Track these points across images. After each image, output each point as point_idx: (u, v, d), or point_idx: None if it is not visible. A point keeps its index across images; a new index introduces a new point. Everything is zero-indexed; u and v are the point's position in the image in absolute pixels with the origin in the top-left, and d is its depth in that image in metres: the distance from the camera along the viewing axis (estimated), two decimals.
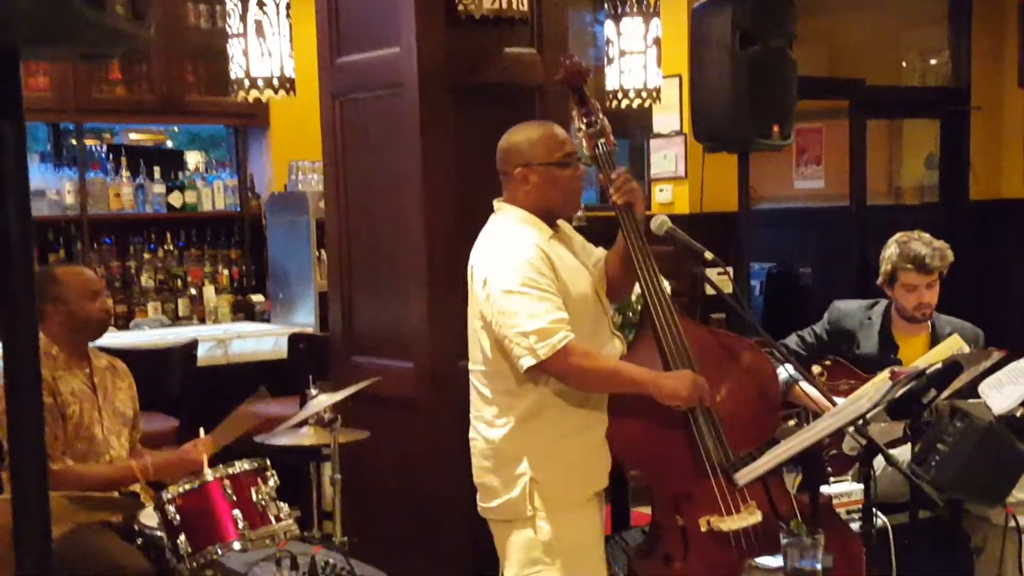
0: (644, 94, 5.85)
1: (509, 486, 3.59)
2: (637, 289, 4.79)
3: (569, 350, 3.43)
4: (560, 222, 3.76)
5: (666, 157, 7.99)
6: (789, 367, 4.10)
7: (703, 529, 3.61)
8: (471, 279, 3.63)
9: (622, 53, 5.90)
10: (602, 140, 3.82)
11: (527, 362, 3.44)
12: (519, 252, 3.50)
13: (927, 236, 4.68)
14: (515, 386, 3.57)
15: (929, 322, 4.71)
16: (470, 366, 3.72)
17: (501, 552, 3.72)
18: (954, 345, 4.42)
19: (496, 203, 3.73)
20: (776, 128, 5.25)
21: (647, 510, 4.02)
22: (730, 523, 3.61)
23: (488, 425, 3.64)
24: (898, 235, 4.71)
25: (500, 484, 3.63)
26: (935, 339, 4.63)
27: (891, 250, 4.66)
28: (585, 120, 3.84)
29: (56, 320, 4.26)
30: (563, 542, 3.57)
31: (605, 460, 3.70)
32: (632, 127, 8.38)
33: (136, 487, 4.29)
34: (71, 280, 4.32)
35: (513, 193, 3.67)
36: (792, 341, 4.78)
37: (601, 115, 3.87)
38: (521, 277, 3.45)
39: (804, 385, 4.31)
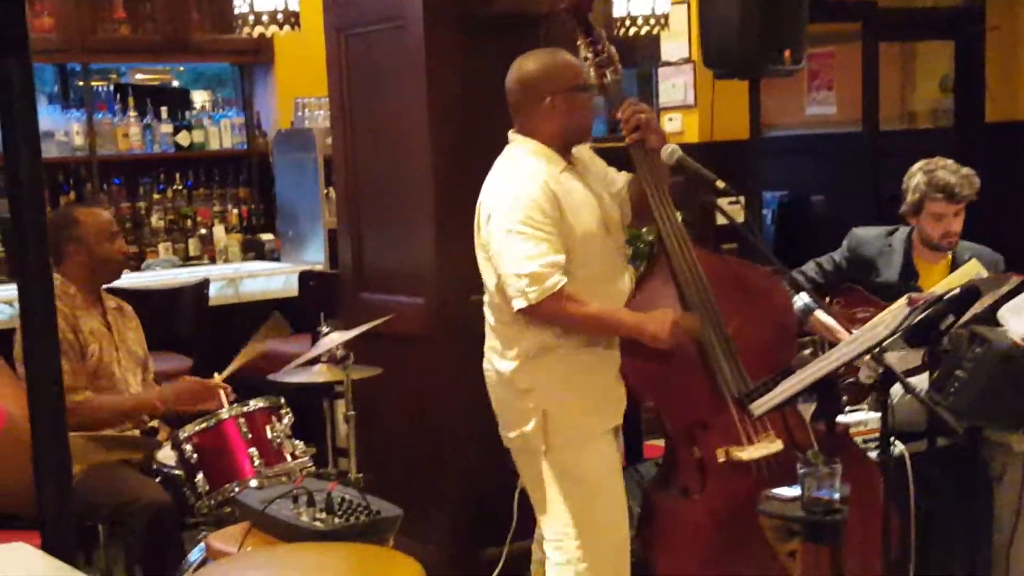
0: (652, 21, 5.77)
1: (523, 419, 3.60)
2: None
3: (560, 295, 3.42)
4: (579, 150, 3.72)
5: (675, 86, 7.91)
6: (805, 296, 4.06)
7: (720, 459, 3.60)
8: (478, 213, 3.62)
9: None
10: (610, 69, 3.77)
11: (518, 304, 3.45)
12: (523, 190, 3.48)
13: (952, 163, 4.58)
14: (516, 318, 3.55)
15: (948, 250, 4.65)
16: (484, 298, 3.70)
17: (524, 480, 3.72)
18: (972, 270, 4.37)
19: (511, 134, 3.69)
20: (787, 53, 5.17)
21: (660, 442, 4.01)
22: (749, 452, 3.59)
23: (499, 356, 3.64)
24: (921, 163, 4.61)
25: (514, 416, 3.63)
26: (956, 266, 4.57)
27: (917, 178, 4.56)
28: (592, 49, 3.79)
29: (76, 260, 4.28)
30: (579, 473, 3.57)
31: (618, 396, 3.69)
32: (640, 55, 8.29)
33: (154, 423, 4.31)
34: (91, 221, 4.34)
35: (537, 123, 3.62)
36: (810, 268, 4.73)
37: (608, 44, 3.81)
38: (522, 216, 3.44)
39: (820, 314, 4.28)
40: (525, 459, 3.68)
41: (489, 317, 3.67)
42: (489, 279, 3.61)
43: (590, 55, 3.80)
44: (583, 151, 3.76)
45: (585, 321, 3.54)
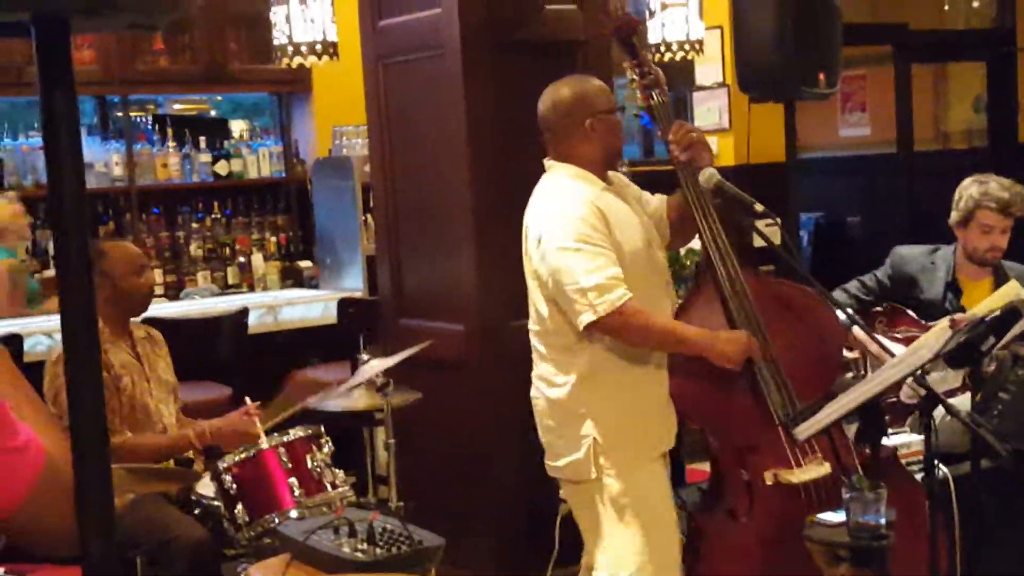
0: (687, 46, 5.77)
1: (573, 447, 3.57)
2: (688, 242, 4.76)
3: (626, 308, 3.41)
4: (613, 174, 3.73)
5: (709, 109, 7.91)
6: (842, 315, 4.04)
7: (769, 482, 3.58)
8: (525, 239, 3.61)
9: (663, 6, 5.82)
10: (656, 91, 3.78)
11: (586, 318, 3.41)
12: (572, 209, 3.48)
13: (1005, 180, 4.62)
14: (571, 344, 3.55)
15: (992, 266, 4.64)
16: (529, 325, 3.70)
17: (574, 508, 3.71)
18: (1012, 291, 4.35)
19: (547, 162, 3.70)
20: (822, 76, 5.17)
21: (702, 466, 3.99)
22: (798, 475, 3.57)
23: (548, 384, 3.62)
24: (976, 176, 4.66)
25: (564, 444, 3.61)
26: (999, 283, 4.56)
27: (971, 190, 4.58)
28: (638, 71, 3.80)
29: (102, 294, 4.27)
30: (631, 500, 3.55)
31: (669, 419, 3.67)
32: (674, 80, 8.29)
33: (190, 454, 4.32)
34: (117, 255, 4.34)
35: (574, 148, 3.62)
36: (853, 286, 4.73)
37: (654, 66, 3.83)
38: (575, 233, 3.43)
39: (859, 331, 4.26)
40: (574, 488, 3.66)
41: (539, 345, 3.65)
42: (540, 305, 3.59)
43: (636, 77, 3.81)
44: (616, 176, 3.77)
45: (653, 334, 3.54)
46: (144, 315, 4.50)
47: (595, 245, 3.43)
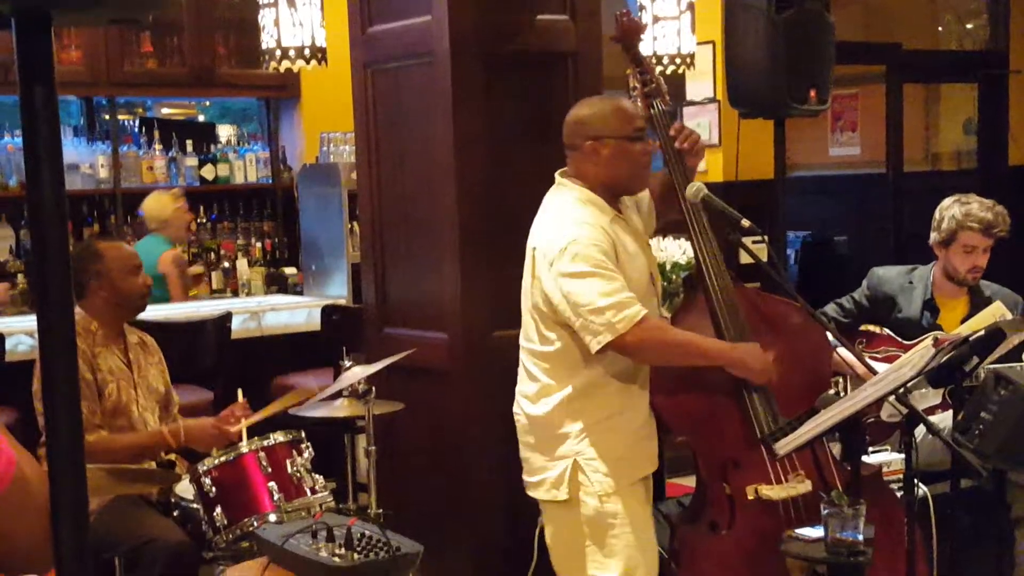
0: (678, 60, 5.77)
1: (551, 465, 3.57)
2: (672, 257, 4.76)
3: (645, 323, 3.41)
4: (623, 198, 3.72)
5: (699, 125, 7.91)
6: (827, 334, 4.05)
7: (750, 497, 3.58)
8: (532, 260, 3.56)
9: (655, 19, 5.82)
10: (658, 99, 3.77)
11: (605, 338, 3.39)
12: (583, 234, 3.45)
13: (987, 200, 4.63)
14: (569, 367, 3.54)
15: (970, 285, 4.65)
16: (521, 342, 3.68)
17: (548, 531, 3.69)
18: (996, 312, 4.37)
19: (559, 176, 3.67)
20: (813, 93, 5.18)
21: (683, 481, 3.99)
22: (779, 492, 3.57)
23: (531, 402, 3.62)
24: (956, 196, 4.66)
25: (542, 462, 3.61)
26: (975, 303, 4.58)
27: (953, 210, 4.59)
28: (640, 79, 3.80)
29: (99, 296, 4.27)
30: (614, 521, 3.54)
31: (653, 442, 3.68)
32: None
33: (172, 456, 4.30)
34: (114, 255, 4.33)
35: (580, 167, 3.60)
36: (831, 309, 4.74)
37: (656, 74, 3.82)
38: (590, 259, 3.41)
39: (843, 351, 4.27)
40: (550, 507, 3.65)
41: (529, 363, 3.63)
42: (544, 327, 3.56)
43: (638, 85, 3.80)
44: (628, 199, 3.75)
45: (672, 347, 3.54)
46: (128, 320, 4.49)
47: (608, 269, 3.42)
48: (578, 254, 3.42)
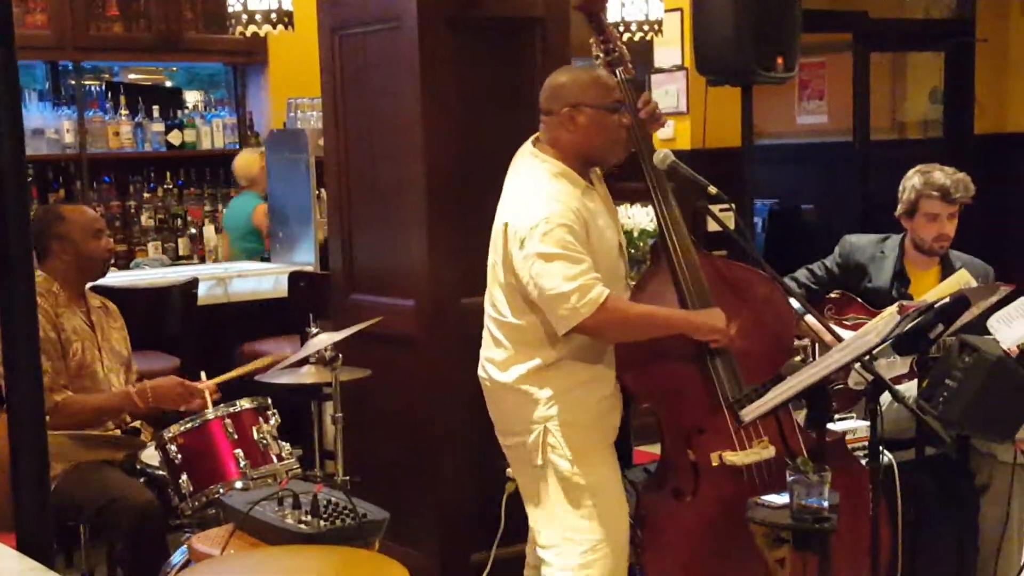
0: (645, 27, 5.77)
1: (523, 430, 3.59)
2: (639, 225, 4.77)
3: (607, 302, 3.41)
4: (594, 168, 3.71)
5: (667, 92, 7.90)
6: (794, 301, 4.07)
7: (714, 464, 3.60)
8: (504, 235, 3.54)
9: None
10: (621, 68, 3.78)
11: (571, 323, 3.42)
12: (555, 212, 3.44)
13: (949, 168, 4.64)
14: (535, 341, 3.55)
15: (939, 257, 4.67)
16: (487, 311, 3.68)
17: (520, 483, 3.71)
18: (962, 279, 4.38)
19: (532, 143, 3.65)
20: (780, 60, 5.18)
21: (651, 448, 4.00)
22: (742, 457, 3.59)
23: (499, 369, 3.62)
24: (919, 166, 4.66)
25: (513, 426, 3.63)
26: (946, 273, 4.59)
27: (913, 180, 4.60)
28: (603, 47, 3.80)
29: (62, 258, 4.26)
30: (586, 483, 3.56)
31: (616, 413, 3.69)
32: (633, 62, 8.28)
33: (137, 423, 4.29)
34: (76, 218, 4.32)
35: (555, 133, 3.59)
36: (802, 275, 4.74)
37: (620, 43, 3.81)
38: (558, 239, 3.40)
39: (810, 319, 4.28)
40: (522, 466, 3.67)
41: (497, 333, 3.63)
42: (513, 300, 3.55)
43: (601, 54, 3.80)
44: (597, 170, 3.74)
45: (637, 323, 3.55)
46: (92, 284, 4.46)
47: (575, 252, 3.42)
48: (547, 233, 3.41)
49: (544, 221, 3.42)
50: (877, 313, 4.38)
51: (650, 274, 3.82)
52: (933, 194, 4.53)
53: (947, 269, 4.61)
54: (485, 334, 3.70)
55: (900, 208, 4.64)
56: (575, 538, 3.57)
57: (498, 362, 3.62)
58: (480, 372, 3.71)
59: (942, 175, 4.57)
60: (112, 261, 4.50)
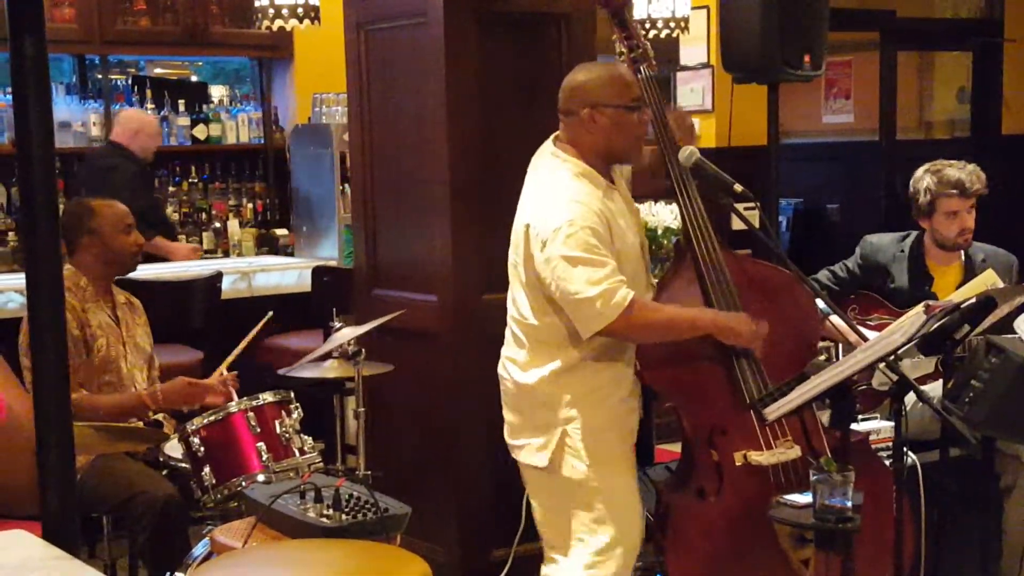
0: (672, 24, 5.76)
1: (535, 431, 3.58)
2: (664, 222, 4.75)
3: (632, 305, 3.40)
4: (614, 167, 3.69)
5: (693, 90, 7.89)
6: (820, 301, 4.05)
7: (738, 463, 3.58)
8: (525, 236, 3.52)
9: None
10: (645, 65, 3.76)
11: (594, 327, 3.41)
12: (578, 215, 3.42)
13: (956, 161, 4.61)
14: (557, 342, 3.54)
15: (961, 251, 4.63)
16: (509, 310, 3.67)
17: (533, 496, 3.70)
18: (988, 280, 4.36)
19: (552, 144, 3.63)
20: (807, 58, 5.15)
21: (672, 447, 3.99)
22: (767, 457, 3.58)
23: (520, 369, 3.61)
24: (926, 165, 4.63)
25: (525, 426, 3.62)
26: (969, 267, 4.57)
27: (926, 180, 4.57)
28: (627, 44, 3.78)
29: (91, 252, 4.28)
30: (600, 487, 3.55)
31: (634, 414, 3.69)
32: (659, 60, 8.26)
33: (160, 416, 4.30)
34: (107, 213, 4.33)
35: (575, 133, 3.57)
36: (823, 276, 4.72)
37: (643, 39, 3.80)
38: (581, 242, 3.39)
39: (835, 319, 4.26)
40: (532, 472, 3.66)
41: (519, 333, 3.62)
42: (535, 301, 3.54)
43: (625, 51, 3.79)
44: (618, 168, 3.73)
45: (662, 325, 3.53)
46: (118, 277, 4.48)
47: (599, 255, 3.41)
48: (571, 236, 3.39)
49: (568, 224, 3.40)
50: (902, 314, 4.36)
51: (673, 272, 3.80)
52: (952, 191, 4.50)
53: (969, 263, 4.58)
54: (507, 333, 3.70)
55: (916, 210, 4.61)
56: (586, 539, 3.57)
57: (520, 362, 3.61)
58: (500, 371, 3.70)
59: (954, 170, 4.54)
60: (140, 257, 4.50)
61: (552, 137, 3.65)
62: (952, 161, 4.61)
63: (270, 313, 4.58)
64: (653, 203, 4.96)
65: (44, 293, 1.49)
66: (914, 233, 4.69)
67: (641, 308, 3.44)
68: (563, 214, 3.43)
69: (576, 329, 3.48)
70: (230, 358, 4.35)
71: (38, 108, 1.34)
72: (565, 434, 3.53)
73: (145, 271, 6.16)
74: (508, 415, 3.69)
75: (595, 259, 3.40)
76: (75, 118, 7.03)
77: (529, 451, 3.59)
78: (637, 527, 3.65)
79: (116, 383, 4.24)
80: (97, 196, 6.60)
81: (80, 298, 4.20)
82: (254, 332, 4.48)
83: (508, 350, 3.68)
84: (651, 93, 3.73)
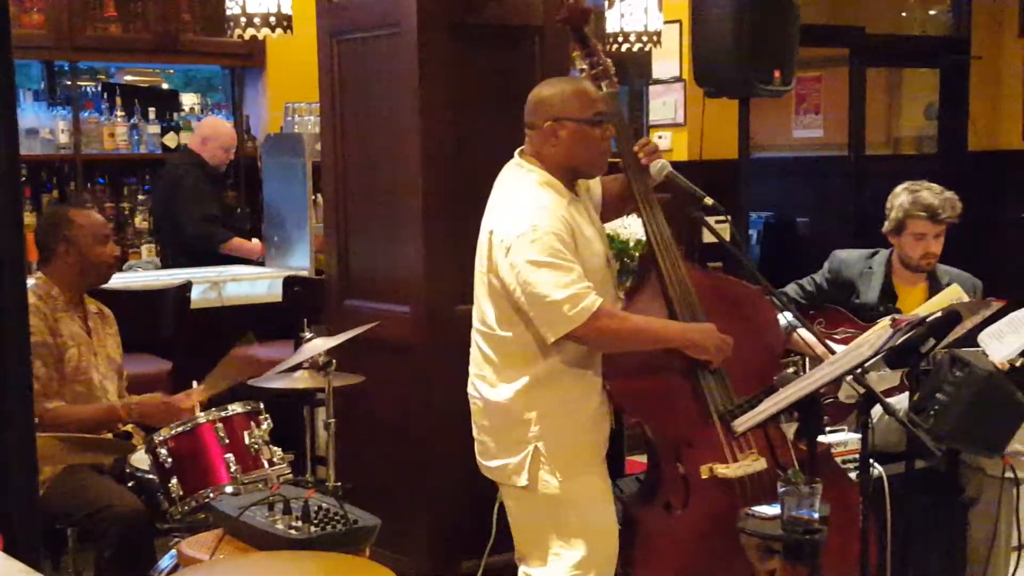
0: (644, 38, 5.78)
1: (510, 450, 3.57)
2: (636, 234, 4.77)
3: (600, 312, 3.41)
4: (581, 180, 3.71)
5: (665, 104, 7.92)
6: (788, 314, 4.08)
7: (704, 476, 3.59)
8: (488, 244, 3.53)
9: None
10: (606, 82, 3.78)
11: (560, 331, 3.40)
12: (542, 221, 3.43)
13: (936, 186, 4.64)
14: (525, 354, 3.53)
15: (926, 272, 4.67)
16: (475, 324, 3.67)
17: (510, 511, 3.70)
18: (953, 294, 4.39)
19: (518, 155, 3.65)
20: (777, 73, 5.19)
21: (641, 458, 4.00)
22: (733, 470, 3.59)
23: (489, 386, 3.60)
24: (907, 183, 4.66)
25: (499, 447, 3.61)
26: (934, 289, 4.61)
27: (901, 198, 4.61)
28: (587, 61, 3.80)
29: (66, 261, 4.24)
30: (575, 504, 3.55)
31: (606, 423, 3.68)
32: (631, 73, 8.30)
33: (128, 427, 4.27)
34: (85, 222, 4.30)
35: (539, 146, 3.59)
36: (791, 290, 4.75)
37: (604, 56, 3.81)
38: (546, 247, 3.39)
39: (803, 332, 4.29)
40: (507, 488, 3.66)
41: (486, 348, 3.61)
42: (501, 311, 3.53)
43: (586, 67, 3.81)
44: (583, 182, 3.74)
45: (629, 335, 3.54)
46: (92, 288, 4.45)
47: (565, 260, 3.41)
48: (535, 241, 3.40)
49: (531, 229, 3.41)
50: (867, 328, 4.39)
51: (638, 287, 3.82)
52: (920, 214, 4.54)
53: (934, 284, 4.62)
54: (473, 351, 3.68)
55: (887, 225, 4.65)
56: (562, 554, 3.57)
57: (488, 379, 3.60)
58: (470, 390, 3.69)
59: (930, 194, 4.57)
60: (117, 267, 4.46)
61: (518, 150, 3.66)
62: (932, 185, 4.64)
63: (249, 333, 4.53)
64: (626, 216, 4.98)
65: (8, 305, 1.48)
66: (883, 250, 4.73)
67: (609, 316, 3.45)
68: (527, 220, 3.44)
69: (542, 341, 3.47)
70: (210, 391, 4.27)
71: (3, 120, 1.34)
72: (538, 451, 3.53)
73: (114, 280, 6.14)
74: (480, 436, 3.67)
75: (561, 264, 3.40)
76: (43, 125, 7.00)
77: (506, 472, 3.58)
78: (613, 539, 3.65)
79: (86, 393, 4.20)
80: (168, 201, 6.76)
81: (51, 307, 4.17)
82: (231, 359, 4.40)
83: (476, 368, 3.67)
84: (613, 110, 3.75)
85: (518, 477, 3.56)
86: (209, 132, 6.98)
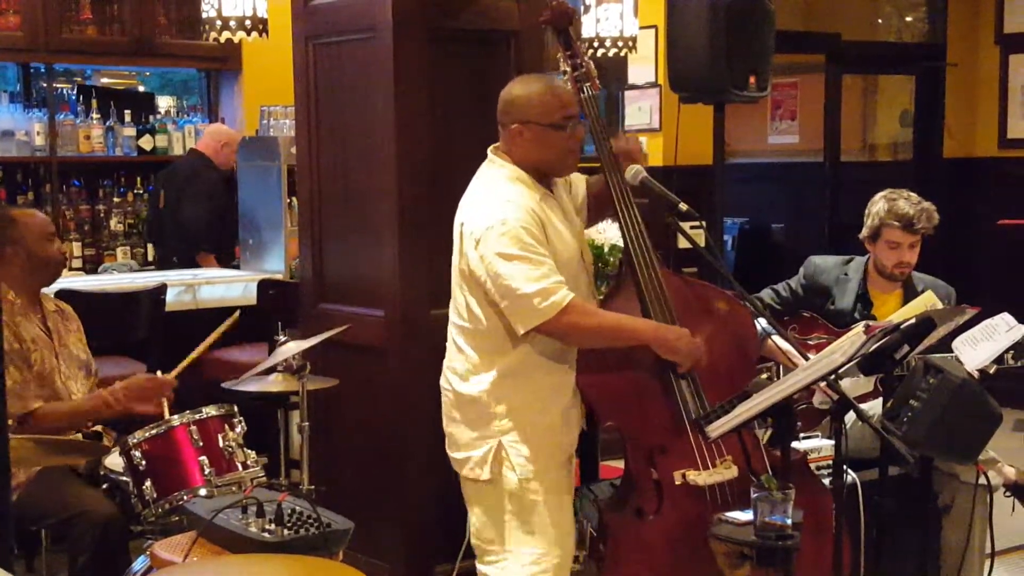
0: (620, 43, 5.78)
1: (477, 445, 3.58)
2: (611, 239, 4.78)
3: (571, 308, 3.42)
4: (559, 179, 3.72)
5: (640, 109, 7.94)
6: (762, 321, 4.09)
7: (677, 483, 3.59)
8: (460, 237, 3.56)
9: (599, 1, 5.83)
10: (588, 84, 3.78)
11: (530, 323, 3.42)
12: (512, 215, 3.45)
13: (915, 196, 4.66)
14: (497, 345, 3.54)
15: (901, 280, 4.69)
16: (451, 317, 3.68)
17: (471, 507, 3.70)
18: (927, 301, 4.42)
19: (491, 151, 3.67)
20: (752, 79, 5.21)
21: (616, 463, 4.00)
22: (705, 477, 3.59)
23: (461, 379, 3.61)
24: (886, 191, 4.68)
25: (467, 439, 3.61)
26: (909, 296, 4.62)
27: (879, 206, 4.62)
28: (570, 63, 3.81)
29: (16, 263, 4.21)
30: (538, 500, 3.55)
31: (575, 424, 3.69)
32: (607, 78, 8.31)
33: (98, 428, 4.25)
34: (28, 222, 4.27)
35: (508, 144, 3.62)
36: (766, 295, 4.76)
37: (587, 59, 3.82)
38: (516, 240, 3.41)
39: (777, 339, 4.30)
40: (467, 481, 3.66)
41: (460, 340, 3.62)
42: (474, 304, 3.55)
43: (569, 69, 3.81)
44: (561, 180, 3.75)
45: (601, 331, 3.55)
46: (60, 288, 4.43)
47: (536, 253, 3.43)
48: (504, 234, 3.42)
49: (500, 222, 3.43)
50: (841, 334, 4.40)
51: (615, 289, 3.83)
52: (895, 223, 4.55)
53: (909, 292, 4.64)
54: (448, 344, 3.70)
55: (864, 231, 4.67)
56: (519, 552, 3.57)
57: (460, 372, 3.62)
58: (442, 382, 3.71)
59: (907, 204, 4.58)
60: (72, 268, 4.44)
61: (492, 147, 3.68)
62: (911, 195, 4.66)
63: (236, 312, 4.49)
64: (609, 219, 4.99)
65: None
66: (858, 258, 4.74)
67: (580, 312, 3.46)
68: (496, 213, 3.46)
69: (513, 333, 3.49)
70: (194, 354, 4.27)
71: None
72: (502, 445, 3.54)
73: (89, 282, 6.12)
74: (449, 428, 3.69)
75: (532, 257, 3.42)
76: (18, 127, 6.98)
77: (470, 464, 3.59)
78: (570, 538, 3.66)
79: (51, 397, 4.17)
80: (180, 201, 6.77)
81: (9, 312, 4.13)
82: (219, 331, 4.38)
83: (449, 360, 3.69)
84: (593, 111, 3.76)
85: (481, 470, 3.57)
86: (227, 139, 7.10)
